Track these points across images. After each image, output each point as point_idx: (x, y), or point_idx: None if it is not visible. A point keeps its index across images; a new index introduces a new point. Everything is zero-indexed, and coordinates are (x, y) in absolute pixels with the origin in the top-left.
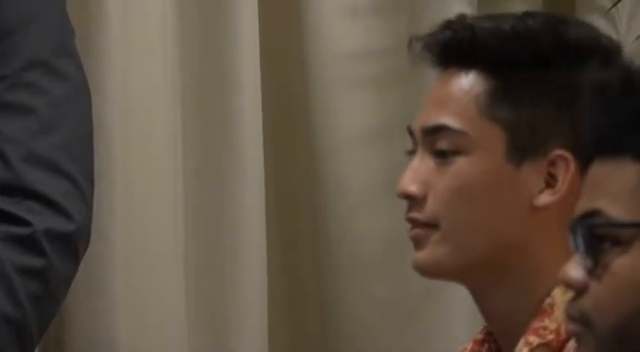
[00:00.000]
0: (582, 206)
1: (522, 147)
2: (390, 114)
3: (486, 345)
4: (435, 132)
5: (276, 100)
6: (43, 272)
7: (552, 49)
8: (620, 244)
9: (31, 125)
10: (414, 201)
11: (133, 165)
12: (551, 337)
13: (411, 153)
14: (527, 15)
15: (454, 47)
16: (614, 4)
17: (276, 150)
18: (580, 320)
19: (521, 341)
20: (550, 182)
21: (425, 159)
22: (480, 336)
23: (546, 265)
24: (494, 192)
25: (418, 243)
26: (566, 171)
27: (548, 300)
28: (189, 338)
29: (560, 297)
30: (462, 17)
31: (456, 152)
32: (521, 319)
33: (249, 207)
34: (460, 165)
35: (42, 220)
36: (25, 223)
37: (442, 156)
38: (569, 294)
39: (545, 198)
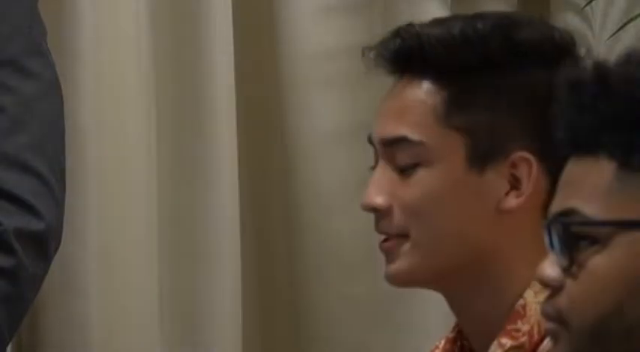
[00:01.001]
0: (557, 205)
1: (483, 153)
2: (364, 112)
3: (458, 343)
4: (394, 143)
5: (249, 99)
6: (13, 271)
7: (503, 51)
8: (596, 243)
9: (0, 124)
10: (380, 214)
11: (107, 164)
12: (523, 339)
13: (374, 166)
14: (477, 17)
15: (403, 56)
16: (588, 2)
17: (249, 149)
18: (556, 319)
19: (494, 344)
20: (514, 184)
21: (387, 171)
22: (452, 335)
23: (517, 267)
24: (459, 199)
25: (389, 255)
26: (529, 173)
27: (520, 302)
28: (163, 339)
29: (532, 298)
30: (410, 25)
31: (417, 163)
32: (494, 321)
33: (223, 207)
34: (422, 176)
35: (11, 219)
36: None
37: (403, 170)
38: (542, 295)
39: (511, 201)
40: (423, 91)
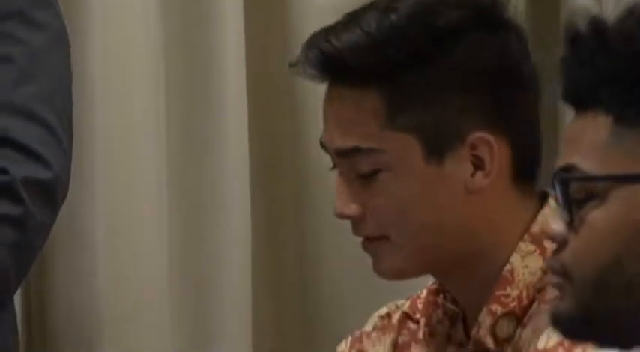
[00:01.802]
0: (559, 161)
1: (438, 145)
2: None
3: (441, 295)
4: (348, 154)
5: (259, 75)
6: (21, 219)
7: (426, 41)
8: (594, 198)
9: (9, 75)
10: (355, 220)
11: (114, 113)
12: (513, 304)
13: (334, 166)
14: (390, 9)
15: (327, 68)
16: None
17: (259, 123)
18: (560, 273)
19: (484, 311)
20: (478, 164)
21: (350, 180)
22: (434, 286)
23: (500, 237)
24: (427, 194)
25: (374, 256)
26: (490, 151)
27: (507, 267)
28: (171, 294)
29: (518, 263)
30: (323, 33)
31: (376, 170)
32: (484, 290)
33: (232, 171)
34: (385, 181)
35: (19, 168)
36: (2, 171)
37: (365, 177)
38: (528, 259)
39: (479, 181)
40: (358, 99)
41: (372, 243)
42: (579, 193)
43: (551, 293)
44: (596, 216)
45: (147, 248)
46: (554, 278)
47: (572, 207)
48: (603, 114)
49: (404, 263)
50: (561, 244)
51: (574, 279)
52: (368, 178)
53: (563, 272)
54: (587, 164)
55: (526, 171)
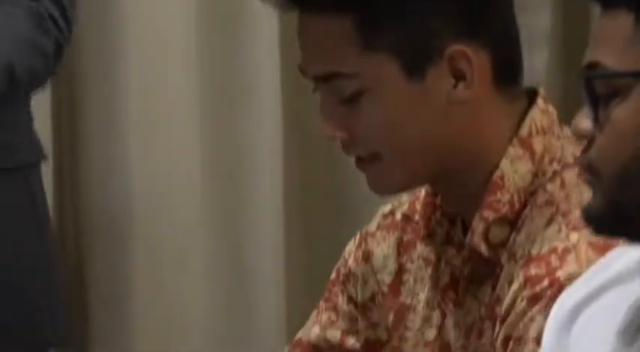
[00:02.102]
0: (585, 58)
1: (416, 62)
2: None
3: (439, 196)
4: (328, 79)
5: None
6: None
7: None
8: (618, 94)
9: None
10: (345, 142)
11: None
12: (505, 209)
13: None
14: None
15: None
16: None
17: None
18: (589, 170)
19: (476, 218)
20: (459, 76)
21: (332, 103)
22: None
23: (488, 144)
24: (411, 112)
25: (368, 175)
26: (469, 62)
27: (497, 173)
28: (203, 182)
29: (508, 168)
30: None
31: (358, 93)
32: (476, 198)
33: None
34: (368, 103)
35: None
36: None
37: (348, 101)
38: (518, 163)
39: (462, 93)
40: (331, 25)
41: (363, 162)
42: (604, 90)
43: (542, 196)
44: (620, 112)
45: (180, 141)
46: (586, 176)
47: (598, 104)
48: (626, 11)
49: (396, 179)
50: (590, 142)
51: (601, 176)
52: (351, 102)
53: (592, 170)
54: (611, 61)
55: (507, 75)
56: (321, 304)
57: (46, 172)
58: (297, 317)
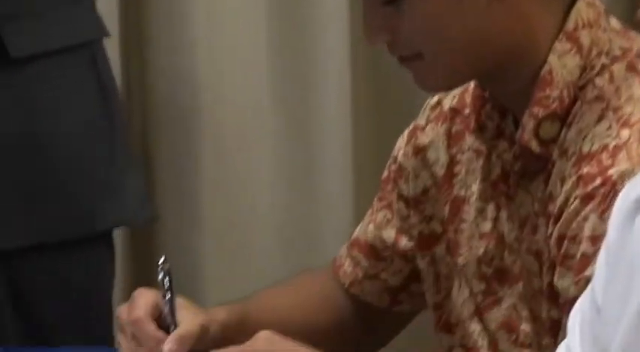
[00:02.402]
0: None
1: None
2: None
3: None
4: None
5: None
6: None
7: None
8: None
9: None
10: (388, 44)
11: None
12: (555, 105)
13: None
14: None
15: None
16: None
17: None
18: None
19: (526, 113)
20: None
21: (375, 5)
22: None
23: (536, 40)
24: (453, 9)
25: (413, 73)
26: None
27: (545, 68)
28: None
29: (556, 62)
30: None
31: None
32: (526, 94)
33: None
34: (410, 3)
35: None
36: None
37: (390, 2)
38: (565, 58)
39: None
40: None
41: (407, 61)
42: None
43: (591, 92)
44: None
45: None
46: None
47: None
48: None
49: (440, 77)
50: None
51: None
52: (394, 2)
53: None
54: None
55: None
56: (375, 202)
57: (113, 55)
58: None
